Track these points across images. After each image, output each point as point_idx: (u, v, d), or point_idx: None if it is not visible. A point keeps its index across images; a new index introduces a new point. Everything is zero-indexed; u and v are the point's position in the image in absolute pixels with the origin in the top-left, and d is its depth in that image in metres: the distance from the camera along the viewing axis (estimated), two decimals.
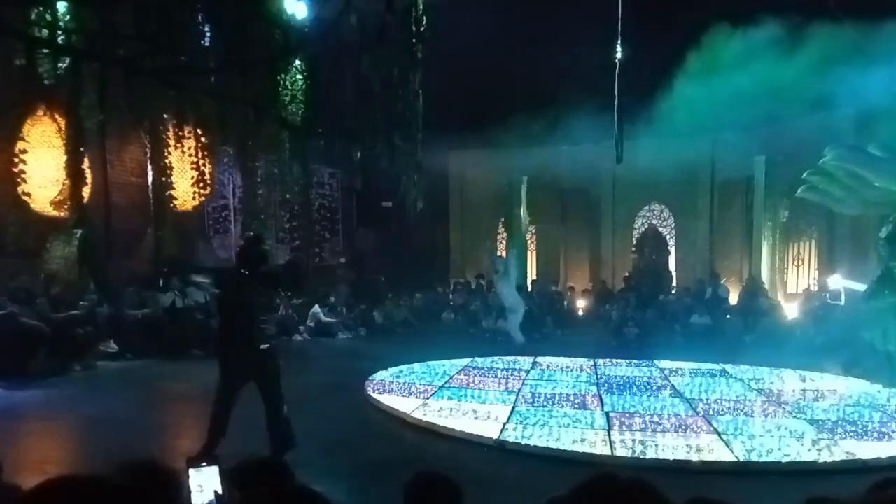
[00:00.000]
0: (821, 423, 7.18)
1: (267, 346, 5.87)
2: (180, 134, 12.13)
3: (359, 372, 9.91)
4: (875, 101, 10.37)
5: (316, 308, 14.72)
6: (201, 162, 12.52)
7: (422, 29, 16.93)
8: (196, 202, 13.48)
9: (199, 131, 12.77)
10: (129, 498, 1.44)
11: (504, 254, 14.68)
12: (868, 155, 8.67)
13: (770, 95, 12.31)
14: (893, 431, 6.83)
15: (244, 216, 16.08)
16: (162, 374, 10.29)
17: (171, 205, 12.61)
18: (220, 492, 1.95)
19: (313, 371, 11.11)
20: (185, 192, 12.84)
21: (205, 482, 1.97)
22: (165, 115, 12.64)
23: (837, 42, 10.58)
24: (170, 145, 12.15)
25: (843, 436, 6.65)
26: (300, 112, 16.79)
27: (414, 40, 16.98)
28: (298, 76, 16.83)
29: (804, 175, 9.77)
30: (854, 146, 9.02)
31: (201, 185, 12.84)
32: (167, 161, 12.25)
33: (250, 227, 15.93)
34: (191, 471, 1.97)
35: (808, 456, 6.08)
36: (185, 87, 12.07)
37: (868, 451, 6.16)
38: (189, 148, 12.23)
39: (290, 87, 16.75)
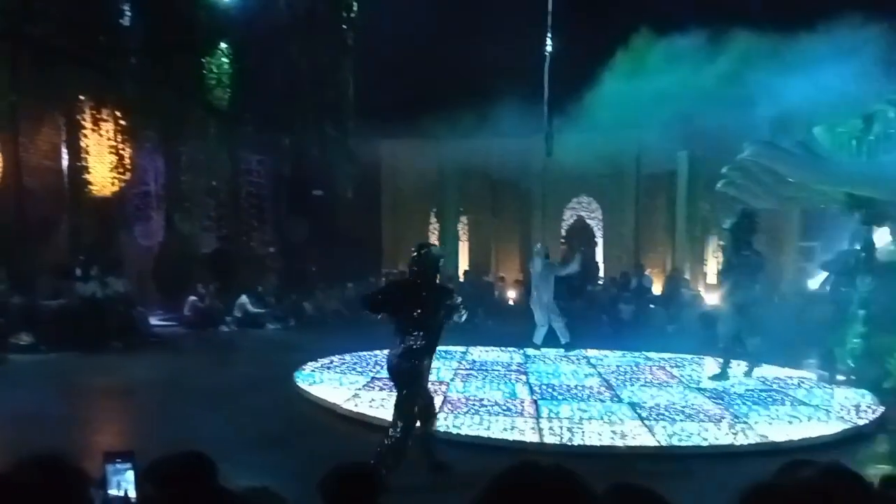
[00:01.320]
0: (737, 407, 7.51)
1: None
2: (98, 116, 11.62)
3: (288, 364, 9.75)
4: (791, 102, 10.85)
5: (243, 298, 14.39)
6: (120, 146, 12.06)
7: (352, 15, 16.75)
8: (115, 188, 12.95)
9: (118, 114, 12.25)
10: (31, 495, 1.36)
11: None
12: (783, 151, 9.05)
13: (693, 94, 12.73)
14: (804, 415, 7.20)
15: (167, 203, 15.55)
16: (80, 367, 9.86)
17: (88, 190, 12.06)
18: (131, 489, 1.89)
19: (240, 363, 10.88)
20: (103, 177, 12.31)
21: (120, 478, 1.91)
22: (82, 97, 12.06)
23: (757, 46, 11.04)
24: (86, 128, 11.60)
25: (758, 419, 6.97)
26: (227, 97, 16.34)
27: (344, 27, 16.80)
28: (224, 60, 16.38)
29: (723, 170, 10.13)
30: (770, 143, 9.38)
31: (120, 170, 12.36)
32: (83, 144, 11.70)
33: (174, 214, 15.45)
34: (107, 466, 1.91)
35: (725, 439, 6.35)
36: (103, 69, 11.54)
37: (780, 433, 6.47)
38: (107, 131, 11.72)
39: (215, 72, 16.28)
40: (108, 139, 12.02)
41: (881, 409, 7.36)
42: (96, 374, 9.43)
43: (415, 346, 5.28)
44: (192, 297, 14.02)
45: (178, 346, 12.33)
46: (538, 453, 5.99)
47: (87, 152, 12.05)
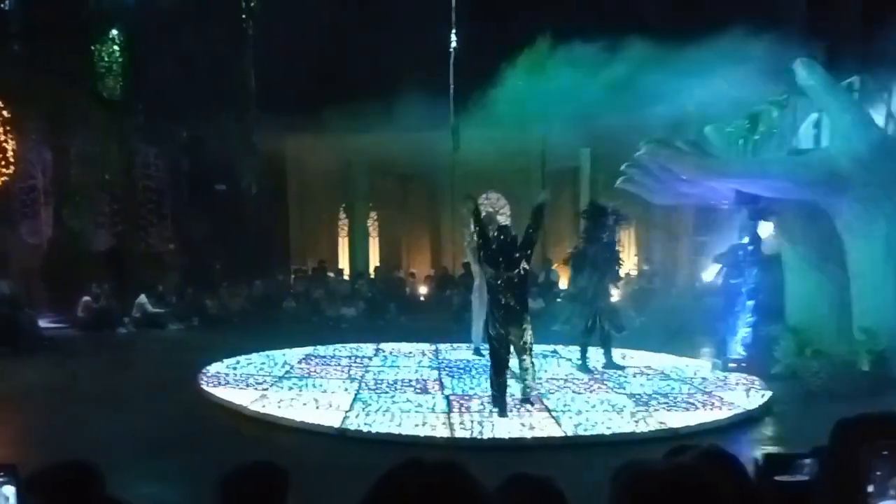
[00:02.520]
0: (638, 396, 7.82)
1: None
2: None
3: (191, 365, 9.39)
4: (685, 103, 11.41)
5: (142, 297, 13.74)
6: (3, 137, 11.27)
7: (251, 4, 16.24)
8: None
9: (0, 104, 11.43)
10: None
11: None
12: (676, 150, 9.47)
13: (594, 94, 13.20)
14: (699, 401, 7.59)
15: (56, 198, 14.65)
16: None
17: None
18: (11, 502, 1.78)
19: (140, 366, 10.41)
20: None
21: (2, 493, 1.79)
22: None
23: (654, 53, 11.58)
24: None
25: (657, 407, 7.29)
26: (118, 86, 15.52)
27: (243, 16, 16.27)
28: (115, 48, 15.54)
29: (622, 167, 10.52)
30: (664, 142, 9.81)
31: (3, 162, 11.57)
32: None
33: (63, 210, 14.58)
34: None
35: (627, 427, 6.60)
36: None
37: (678, 420, 6.80)
38: None
39: (106, 60, 15.43)
40: None
41: (769, 394, 7.86)
42: None
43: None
44: (86, 298, 13.28)
45: (71, 349, 11.64)
46: (449, 448, 6.04)
47: None
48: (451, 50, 11.91)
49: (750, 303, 9.40)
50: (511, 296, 7.02)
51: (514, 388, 7.42)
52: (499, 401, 7.00)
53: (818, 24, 13.05)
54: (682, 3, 12.20)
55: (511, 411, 7.03)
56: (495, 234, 7.54)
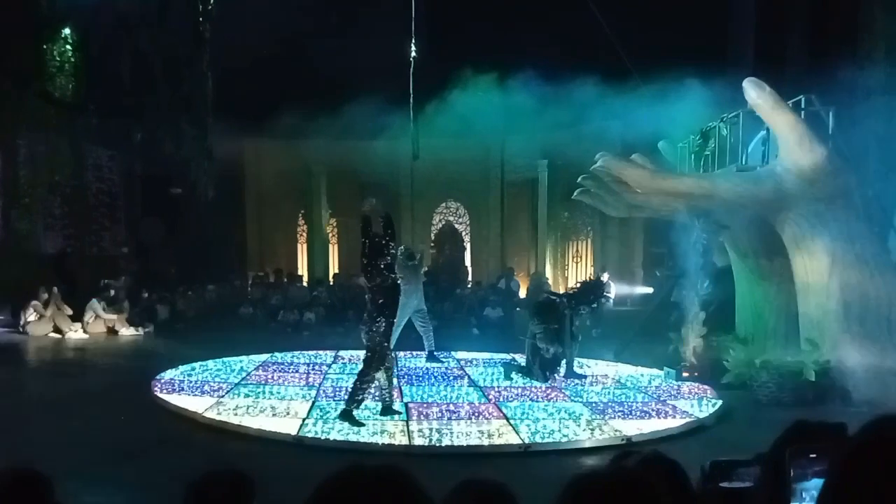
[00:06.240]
0: (594, 404, 7.95)
1: None
2: None
3: (144, 371, 9.22)
4: (639, 119, 11.70)
5: (94, 302, 13.40)
6: None
7: (209, 7, 16.05)
8: None
9: None
10: None
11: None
12: (629, 163, 9.68)
13: (551, 109, 13.44)
14: (653, 410, 7.76)
15: (4, 200, 14.22)
16: None
17: None
18: None
19: (90, 371, 10.17)
20: None
21: None
22: None
23: (613, 78, 11.92)
24: None
25: (613, 415, 7.42)
26: (70, 86, 15.15)
27: (200, 18, 16.05)
28: (68, 47, 15.17)
29: (579, 179, 10.71)
30: (619, 156, 10.02)
31: None
32: None
33: (11, 211, 14.16)
34: None
35: (583, 435, 6.71)
36: None
37: (632, 427, 6.93)
38: None
39: (58, 59, 15.06)
40: None
41: (720, 403, 8.07)
42: None
43: None
44: (35, 302, 12.90)
45: (17, 354, 11.29)
46: (406, 456, 6.05)
47: None
48: (412, 58, 11.98)
49: (702, 314, 9.65)
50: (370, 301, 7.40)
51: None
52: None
53: (767, 44, 13.51)
54: (639, 31, 12.58)
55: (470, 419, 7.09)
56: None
